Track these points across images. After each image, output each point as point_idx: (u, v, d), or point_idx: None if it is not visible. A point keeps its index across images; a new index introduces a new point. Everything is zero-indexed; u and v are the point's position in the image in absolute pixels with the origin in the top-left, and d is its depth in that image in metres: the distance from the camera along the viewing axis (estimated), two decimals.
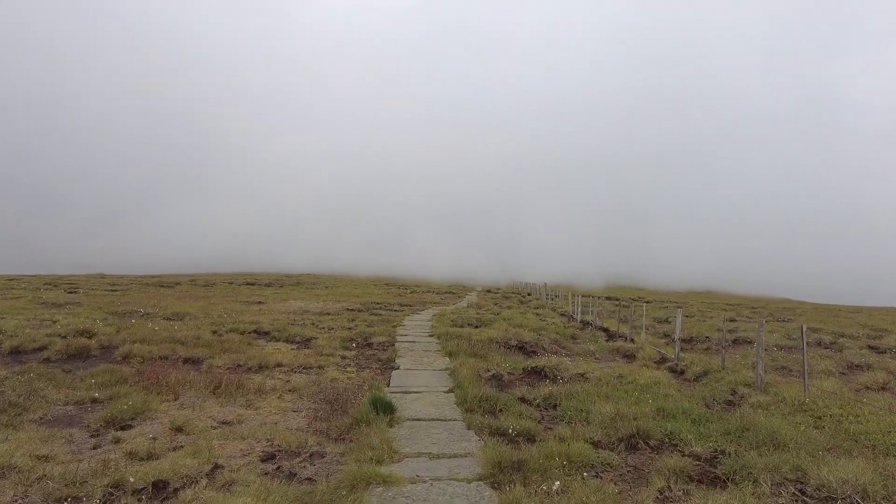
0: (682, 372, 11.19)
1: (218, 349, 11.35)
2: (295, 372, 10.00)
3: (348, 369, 10.49)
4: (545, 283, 42.05)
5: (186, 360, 10.50)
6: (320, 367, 10.46)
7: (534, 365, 10.52)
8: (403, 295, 35.41)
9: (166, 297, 28.28)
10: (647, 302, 45.58)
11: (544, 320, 21.35)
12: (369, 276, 71.99)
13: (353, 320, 17.79)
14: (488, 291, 50.67)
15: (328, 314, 20.22)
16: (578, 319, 24.68)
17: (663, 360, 12.86)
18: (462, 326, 17.81)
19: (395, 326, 16.63)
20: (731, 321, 25.51)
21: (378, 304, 25.61)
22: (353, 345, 13.41)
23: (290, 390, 8.51)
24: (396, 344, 13.34)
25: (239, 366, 10.30)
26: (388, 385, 8.86)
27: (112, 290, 33.46)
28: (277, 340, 13.75)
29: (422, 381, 9.09)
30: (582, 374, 10.36)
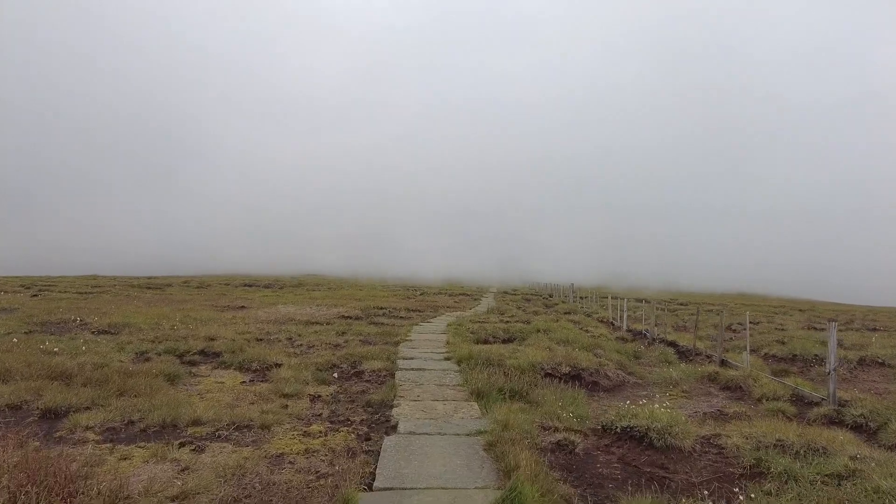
0: (863, 428, 6.83)
1: (114, 389, 7.20)
2: (215, 439, 5.80)
3: (312, 429, 6.28)
4: (572, 284, 37.64)
5: (45, 414, 6.36)
6: (265, 426, 6.24)
7: (626, 424, 6.22)
8: (412, 297, 31.21)
9: (135, 301, 24.37)
10: (682, 304, 40.95)
11: (587, 330, 17.02)
12: (376, 277, 68.04)
13: (343, 333, 13.60)
14: (505, 293, 46.35)
15: (317, 323, 16.08)
16: (625, 328, 20.31)
17: (801, 400, 8.49)
18: (488, 342, 13.57)
19: (398, 343, 12.41)
20: (811, 328, 21.00)
21: (381, 309, 21.43)
22: (335, 374, 9.21)
23: (175, 498, 4.30)
24: (398, 373, 9.11)
25: (129, 423, 6.14)
26: (373, 481, 4.62)
27: (84, 293, 29.71)
28: (226, 367, 9.59)
29: (436, 468, 4.86)
30: (709, 440, 6.07)
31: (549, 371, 10.00)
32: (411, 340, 12.68)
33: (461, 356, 10.08)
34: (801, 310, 40.87)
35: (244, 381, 8.71)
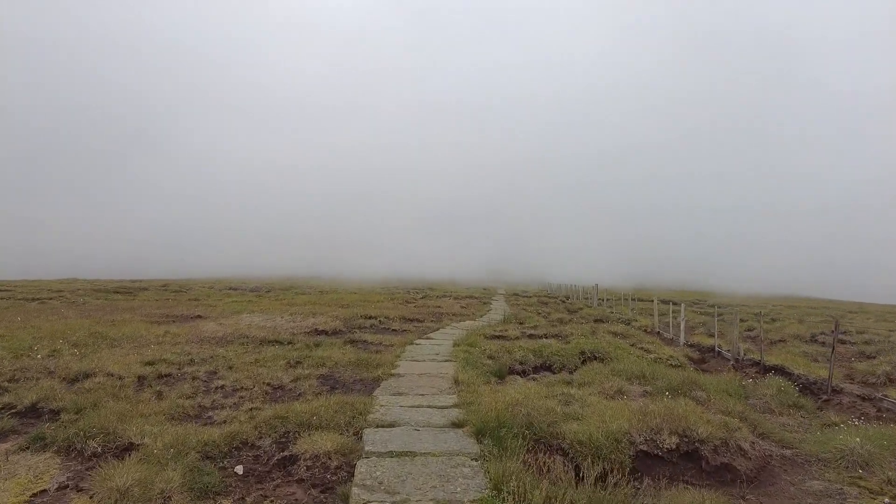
0: None
1: None
2: None
3: None
4: (596, 286, 33.03)
5: None
6: None
7: None
8: (412, 302, 26.69)
9: (75, 308, 20.04)
10: (713, 307, 36.18)
11: (646, 350, 12.49)
12: (376, 280, 63.75)
13: (299, 363, 9.09)
14: (516, 295, 41.78)
15: (275, 343, 11.66)
16: (683, 341, 15.79)
17: None
18: (515, 372, 9.13)
19: (377, 381, 7.90)
20: None
21: (369, 319, 16.97)
22: (238, 469, 4.74)
23: None
24: (361, 466, 4.60)
25: None
26: None
27: (30, 300, 25.40)
28: (43, 448, 5.10)
29: None
30: None
31: (644, 447, 5.52)
32: (399, 376, 8.17)
33: (482, 420, 5.56)
34: (851, 311, 36.20)
35: (43, 492, 4.25)
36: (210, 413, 6.20)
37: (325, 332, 13.68)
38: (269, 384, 7.62)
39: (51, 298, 26.44)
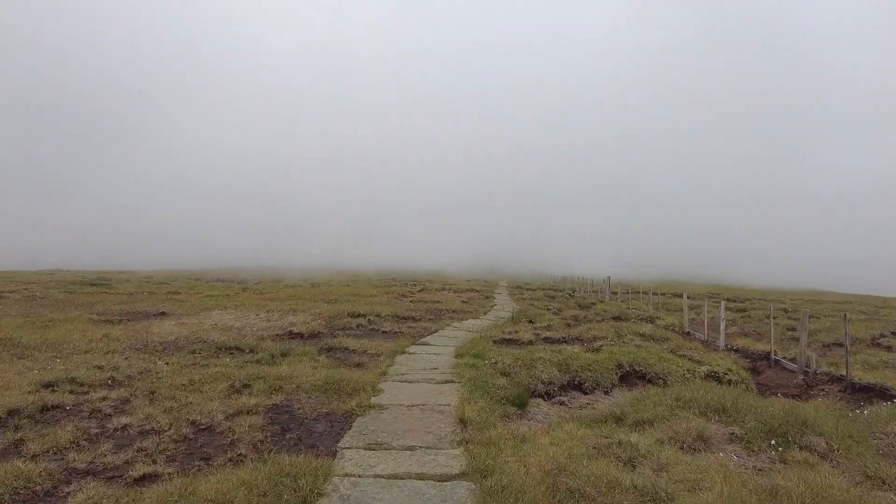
0: None
1: None
2: None
3: None
4: (608, 278, 30.69)
5: None
6: None
7: None
8: (409, 296, 24.34)
9: (22, 305, 17.70)
10: (731, 300, 33.87)
11: (696, 361, 10.19)
12: (373, 271, 61.55)
13: (246, 387, 6.74)
14: (520, 288, 39.48)
15: (234, 350, 9.38)
16: (723, 345, 13.52)
17: None
18: (537, 395, 6.90)
19: (348, 418, 5.57)
20: None
21: (358, 316, 14.66)
22: None
23: None
24: None
25: None
26: None
27: None
28: None
29: None
30: None
31: None
32: (381, 409, 5.83)
33: None
34: (880, 307, 33.97)
35: None
36: (66, 491, 3.86)
37: (300, 336, 11.38)
38: (193, 423, 5.29)
39: (12, 292, 24.08)
